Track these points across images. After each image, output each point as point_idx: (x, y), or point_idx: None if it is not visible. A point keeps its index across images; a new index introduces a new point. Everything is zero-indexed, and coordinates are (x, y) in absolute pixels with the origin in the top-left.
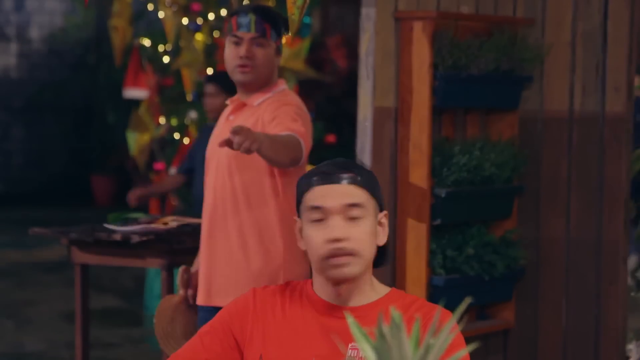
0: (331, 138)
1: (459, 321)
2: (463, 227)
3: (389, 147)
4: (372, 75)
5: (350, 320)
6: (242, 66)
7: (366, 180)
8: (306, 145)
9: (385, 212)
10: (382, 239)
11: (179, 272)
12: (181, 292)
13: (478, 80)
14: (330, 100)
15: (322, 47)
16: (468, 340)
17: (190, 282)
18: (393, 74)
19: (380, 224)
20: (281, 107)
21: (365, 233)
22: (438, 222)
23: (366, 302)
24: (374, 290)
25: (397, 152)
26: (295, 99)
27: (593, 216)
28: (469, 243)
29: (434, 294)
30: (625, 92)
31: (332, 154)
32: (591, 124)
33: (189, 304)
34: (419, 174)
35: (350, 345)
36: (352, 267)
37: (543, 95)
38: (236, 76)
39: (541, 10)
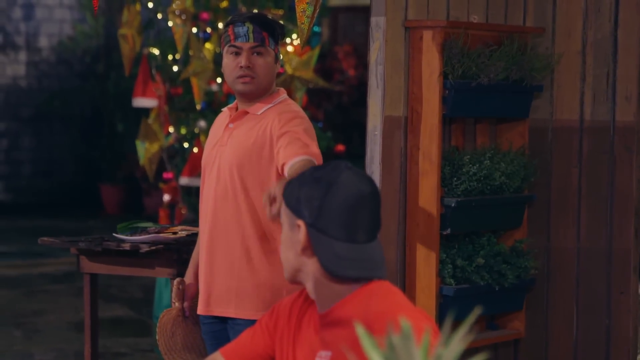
0: (340, 147)
1: (469, 331)
2: (473, 236)
3: (398, 157)
4: (382, 85)
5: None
6: (242, 77)
7: None
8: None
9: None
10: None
11: (174, 284)
12: (177, 304)
13: (488, 90)
14: (339, 109)
15: (332, 56)
16: (478, 350)
17: (186, 294)
18: (403, 83)
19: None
20: (290, 121)
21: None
22: (448, 231)
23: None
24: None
25: (406, 162)
26: (297, 108)
27: (603, 226)
28: (479, 253)
29: (444, 304)
30: (636, 101)
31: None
32: (602, 133)
33: (186, 316)
34: (428, 184)
35: (317, 354)
36: None
37: (553, 104)
38: (237, 87)
39: (551, 19)
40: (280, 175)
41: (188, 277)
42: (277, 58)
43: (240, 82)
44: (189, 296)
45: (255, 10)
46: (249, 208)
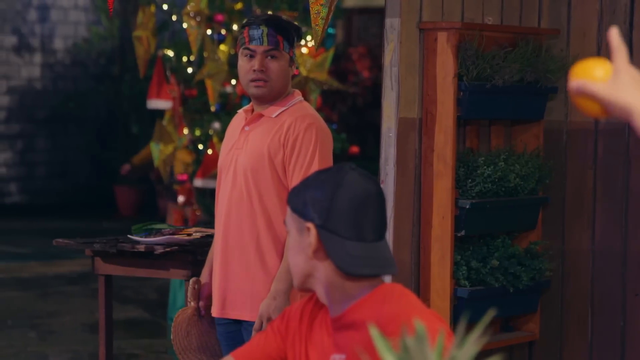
0: (355, 149)
1: (483, 333)
2: (487, 238)
3: (413, 158)
4: (397, 86)
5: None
6: (256, 80)
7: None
8: None
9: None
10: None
11: (190, 284)
12: (192, 304)
13: (503, 91)
14: (353, 111)
15: (346, 58)
16: (493, 352)
17: (201, 294)
18: (417, 85)
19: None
20: (303, 133)
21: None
22: (462, 233)
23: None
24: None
25: (421, 163)
26: (312, 111)
27: (618, 227)
28: (494, 254)
29: (459, 306)
30: None
31: (355, 165)
32: (616, 135)
33: (201, 315)
34: (443, 185)
35: (331, 357)
36: None
37: (568, 106)
38: (251, 90)
39: (566, 20)
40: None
41: (204, 277)
42: (292, 61)
43: (253, 86)
44: (205, 296)
45: (270, 12)
46: (264, 212)
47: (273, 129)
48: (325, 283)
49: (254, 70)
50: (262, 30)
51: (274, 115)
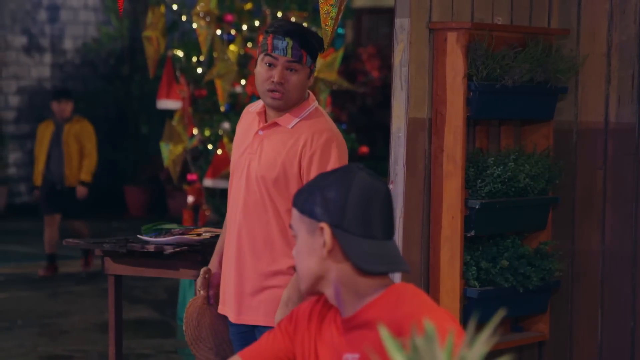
0: (364, 149)
1: (493, 333)
2: (497, 238)
3: (422, 159)
4: (406, 86)
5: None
6: (273, 91)
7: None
8: None
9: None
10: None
11: (201, 273)
12: (202, 292)
13: (512, 91)
14: (363, 111)
15: (356, 58)
16: (502, 353)
17: (211, 283)
18: (427, 85)
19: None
20: (322, 147)
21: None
22: (472, 233)
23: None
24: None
25: (431, 164)
26: (329, 125)
27: (628, 228)
28: (504, 255)
29: (468, 306)
30: None
31: (365, 165)
32: (626, 135)
33: (210, 303)
34: (453, 186)
35: (343, 356)
36: None
37: (578, 106)
38: (267, 100)
39: (576, 20)
40: None
41: (213, 266)
42: (311, 73)
43: (270, 97)
44: (214, 284)
45: (280, 13)
46: (277, 220)
47: (289, 142)
48: (336, 284)
49: (273, 82)
50: (287, 42)
51: (290, 126)
